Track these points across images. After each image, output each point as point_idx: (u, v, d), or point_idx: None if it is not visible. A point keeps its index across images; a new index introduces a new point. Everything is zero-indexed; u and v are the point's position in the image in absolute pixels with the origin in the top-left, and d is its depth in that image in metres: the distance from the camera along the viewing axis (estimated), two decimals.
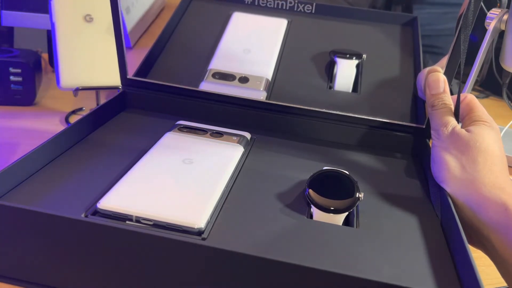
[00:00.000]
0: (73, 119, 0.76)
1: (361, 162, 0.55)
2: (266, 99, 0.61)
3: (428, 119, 0.55)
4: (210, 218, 0.41)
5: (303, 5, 0.74)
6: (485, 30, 0.57)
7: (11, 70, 0.77)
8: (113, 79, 0.74)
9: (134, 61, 0.65)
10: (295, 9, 0.74)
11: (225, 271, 0.35)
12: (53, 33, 0.73)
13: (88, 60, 0.75)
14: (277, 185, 0.48)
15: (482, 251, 0.44)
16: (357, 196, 0.44)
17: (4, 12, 0.83)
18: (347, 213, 0.43)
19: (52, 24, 0.73)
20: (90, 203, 0.41)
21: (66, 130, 0.50)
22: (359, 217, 0.44)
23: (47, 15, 0.77)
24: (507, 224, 0.40)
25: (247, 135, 0.55)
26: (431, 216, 0.46)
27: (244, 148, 0.53)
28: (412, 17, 0.74)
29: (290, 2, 0.74)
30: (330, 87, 0.64)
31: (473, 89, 1.00)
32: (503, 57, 0.57)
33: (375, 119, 0.57)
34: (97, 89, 0.76)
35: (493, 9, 0.57)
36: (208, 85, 0.62)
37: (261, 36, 0.70)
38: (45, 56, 0.91)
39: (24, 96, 0.78)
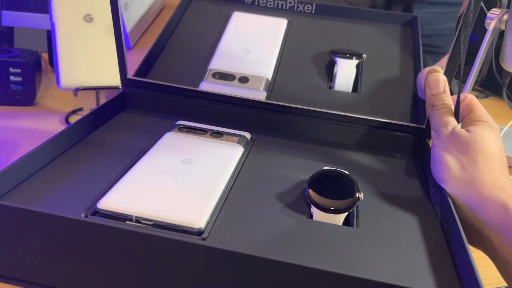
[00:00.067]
0: (73, 119, 0.76)
1: (361, 162, 0.55)
2: (266, 99, 0.61)
3: (428, 119, 0.55)
4: (210, 218, 0.41)
5: (303, 5, 0.74)
6: (485, 30, 0.57)
7: (11, 70, 0.77)
8: (113, 79, 0.74)
9: (134, 61, 0.65)
10: (295, 9, 0.74)
11: (225, 271, 0.35)
12: (53, 33, 0.73)
13: (88, 60, 0.75)
14: (277, 185, 0.48)
15: (482, 251, 0.44)
16: (357, 196, 0.44)
17: (4, 12, 0.83)
18: (347, 213, 0.43)
19: (52, 24, 0.73)
20: (90, 203, 0.41)
21: (66, 130, 0.50)
22: (359, 217, 0.44)
23: (47, 15, 0.77)
24: (507, 224, 0.40)
25: (247, 135, 0.55)
26: (431, 216, 0.46)
27: (244, 148, 0.53)
28: (412, 17, 0.74)
29: (290, 2, 0.74)
30: (330, 87, 0.64)
31: (473, 89, 1.00)
32: (503, 57, 0.57)
33: (375, 119, 0.57)
34: (97, 89, 0.76)
35: (493, 9, 0.57)
36: (208, 85, 0.62)
37: (261, 36, 0.70)
38: (45, 56, 0.91)
39: (24, 96, 0.78)
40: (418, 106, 0.61)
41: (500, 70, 0.65)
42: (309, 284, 0.34)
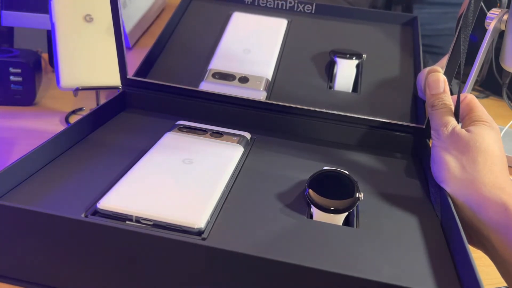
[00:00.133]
0: (73, 119, 0.76)
1: (361, 162, 0.55)
2: (266, 99, 0.61)
3: (428, 119, 0.55)
4: (210, 218, 0.41)
5: (303, 5, 0.74)
6: (485, 30, 0.57)
7: (11, 70, 0.77)
8: (113, 79, 0.74)
9: (134, 61, 0.65)
10: (295, 9, 0.74)
11: (225, 271, 0.35)
12: (53, 33, 0.73)
13: (88, 60, 0.75)
14: (277, 185, 0.48)
15: (482, 251, 0.44)
16: (357, 196, 0.44)
17: (4, 12, 0.83)
18: (347, 213, 0.43)
19: (52, 24, 0.73)
20: (90, 203, 0.41)
21: (66, 130, 0.50)
22: (359, 217, 0.44)
23: (47, 15, 0.77)
24: (507, 224, 0.40)
25: (247, 135, 0.55)
26: (431, 216, 0.46)
27: (244, 148, 0.53)
28: (412, 17, 0.74)
29: (290, 2, 0.74)
30: (330, 87, 0.64)
31: (473, 89, 1.00)
32: (503, 57, 0.57)
33: (375, 119, 0.57)
34: (97, 89, 0.76)
35: (493, 9, 0.57)
36: (208, 85, 0.62)
37: (261, 36, 0.70)
38: (45, 56, 0.91)
39: (24, 96, 0.78)
40: (418, 106, 0.61)
41: (500, 70, 0.65)
42: (309, 284, 0.34)
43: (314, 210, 0.43)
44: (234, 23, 0.72)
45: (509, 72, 0.61)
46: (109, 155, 0.50)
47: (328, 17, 0.74)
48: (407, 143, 0.57)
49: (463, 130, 0.46)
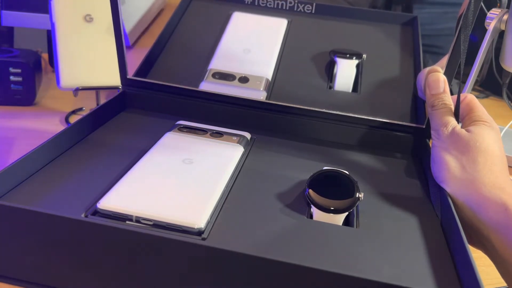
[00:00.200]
0: (73, 119, 0.76)
1: (361, 162, 0.55)
2: (266, 99, 0.61)
3: (428, 119, 0.55)
4: (210, 218, 0.41)
5: (303, 5, 0.74)
6: (485, 30, 0.57)
7: (11, 70, 0.77)
8: (113, 79, 0.74)
9: (134, 61, 0.65)
10: (295, 9, 0.74)
11: (225, 271, 0.35)
12: (53, 33, 0.73)
13: (88, 60, 0.75)
14: (277, 185, 0.48)
15: (482, 251, 0.44)
16: (357, 196, 0.44)
17: (4, 12, 0.83)
18: (347, 213, 0.43)
19: (52, 24, 0.73)
20: (90, 203, 0.41)
21: (66, 130, 0.50)
22: (359, 217, 0.44)
23: (47, 15, 0.77)
24: (507, 224, 0.40)
25: (247, 135, 0.55)
26: (431, 216, 0.46)
27: (244, 148, 0.53)
28: (412, 17, 0.74)
29: (290, 2, 0.74)
30: (330, 87, 0.64)
31: (473, 89, 1.00)
32: (503, 57, 0.57)
33: (375, 119, 0.57)
34: (97, 89, 0.76)
35: (493, 9, 0.57)
36: (208, 85, 0.62)
37: (261, 36, 0.70)
38: (45, 56, 0.91)
39: (24, 96, 0.78)
40: (418, 106, 0.61)
41: (500, 70, 0.65)
42: (309, 284, 0.34)
43: (314, 210, 0.43)
44: (234, 23, 0.72)
45: (509, 72, 0.61)
46: (109, 155, 0.50)
47: (328, 17, 0.74)
48: (407, 143, 0.57)
49: (463, 130, 0.46)
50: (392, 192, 0.49)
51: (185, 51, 0.68)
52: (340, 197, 0.43)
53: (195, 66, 0.65)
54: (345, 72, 0.64)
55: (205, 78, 0.63)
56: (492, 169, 0.44)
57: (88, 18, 0.75)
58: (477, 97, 0.57)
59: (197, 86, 0.62)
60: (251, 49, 0.67)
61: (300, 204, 0.45)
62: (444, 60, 0.54)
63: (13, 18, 0.84)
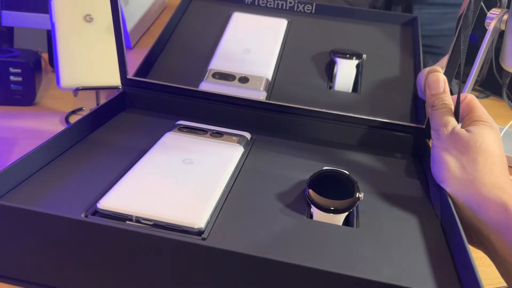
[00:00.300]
0: (73, 119, 0.76)
1: (361, 162, 0.55)
2: (266, 99, 0.61)
3: (428, 119, 0.55)
4: (210, 218, 0.41)
5: (303, 5, 0.74)
6: (485, 30, 0.57)
7: (11, 70, 0.77)
8: (113, 79, 0.74)
9: (134, 61, 0.65)
10: (295, 9, 0.74)
11: (225, 271, 0.35)
12: (53, 33, 0.73)
13: (88, 60, 0.75)
14: (277, 185, 0.48)
15: (482, 251, 0.44)
16: (357, 196, 0.44)
17: (4, 12, 0.83)
18: (347, 213, 0.43)
19: (52, 24, 0.73)
20: (90, 203, 0.41)
21: (66, 130, 0.50)
22: (359, 217, 0.44)
23: (47, 15, 0.77)
24: (507, 224, 0.40)
25: (247, 135, 0.55)
26: (431, 216, 0.46)
27: (244, 148, 0.53)
28: (412, 17, 0.74)
29: (290, 2, 0.74)
30: (330, 87, 0.64)
31: (473, 89, 1.00)
32: (503, 57, 0.57)
33: (375, 119, 0.57)
34: (97, 89, 0.76)
35: (493, 9, 0.57)
36: (208, 85, 0.62)
37: (261, 36, 0.70)
38: (45, 56, 0.91)
39: (24, 96, 0.78)
40: (418, 106, 0.61)
41: (500, 70, 0.65)
42: (309, 284, 0.34)
43: (314, 210, 0.43)
44: (234, 23, 0.72)
45: (509, 72, 0.61)
46: (109, 155, 0.50)
47: (328, 17, 0.74)
48: (407, 143, 0.57)
49: (463, 130, 0.46)
50: (392, 192, 0.49)
51: (185, 51, 0.68)
52: (340, 197, 0.43)
53: (195, 66, 0.65)
54: (345, 72, 0.64)
55: (205, 78, 0.63)
56: (492, 169, 0.44)
57: (88, 18, 0.75)
58: (477, 97, 0.57)
59: (197, 86, 0.62)
60: (251, 49, 0.67)
61: (300, 204, 0.45)
62: (444, 60, 0.54)
63: (13, 18, 0.84)
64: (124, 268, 0.37)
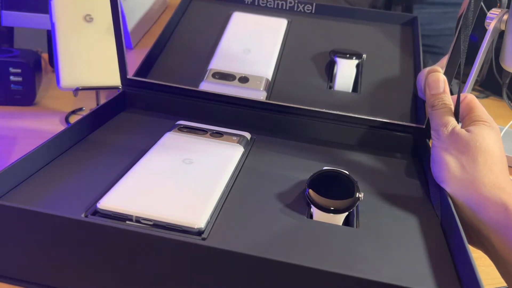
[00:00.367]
0: (73, 119, 0.76)
1: (361, 162, 0.55)
2: (266, 99, 0.61)
3: (428, 119, 0.55)
4: (210, 218, 0.41)
5: (303, 5, 0.74)
6: (485, 30, 0.57)
7: (11, 70, 0.77)
8: (113, 79, 0.74)
9: (134, 61, 0.65)
10: (295, 9, 0.74)
11: (225, 271, 0.35)
12: (53, 33, 0.73)
13: (88, 60, 0.75)
14: (277, 185, 0.48)
15: (482, 251, 0.44)
16: (357, 196, 0.44)
17: (4, 12, 0.83)
18: (347, 213, 0.43)
19: (52, 24, 0.73)
20: (90, 203, 0.41)
21: (66, 130, 0.50)
22: (359, 217, 0.44)
23: (47, 15, 0.77)
24: (507, 224, 0.40)
25: (247, 135, 0.55)
26: (431, 216, 0.46)
27: (244, 148, 0.53)
28: (412, 17, 0.74)
29: (290, 2, 0.74)
30: (330, 87, 0.64)
31: (473, 89, 1.00)
32: (503, 57, 0.57)
33: (375, 119, 0.57)
34: (97, 89, 0.76)
35: (493, 9, 0.57)
36: (208, 85, 0.62)
37: (261, 36, 0.70)
38: (45, 56, 0.91)
39: (24, 96, 0.78)
40: (418, 106, 0.61)
41: (500, 70, 0.65)
42: (309, 284, 0.34)
43: (314, 210, 0.43)
44: (234, 23, 0.72)
45: (509, 72, 0.61)
46: (109, 155, 0.50)
47: (328, 17, 0.74)
48: (407, 143, 0.57)
49: (463, 130, 0.46)
50: (392, 192, 0.49)
51: (185, 51, 0.68)
52: (340, 197, 0.43)
53: (195, 66, 0.65)
54: (345, 72, 0.64)
55: (205, 78, 0.63)
56: (492, 169, 0.44)
57: (88, 18, 0.75)
58: (477, 97, 0.57)
59: (197, 86, 0.62)
60: (251, 49, 0.67)
61: (300, 204, 0.45)
62: (444, 60, 0.54)
63: (13, 18, 0.84)
64: (124, 268, 0.37)
